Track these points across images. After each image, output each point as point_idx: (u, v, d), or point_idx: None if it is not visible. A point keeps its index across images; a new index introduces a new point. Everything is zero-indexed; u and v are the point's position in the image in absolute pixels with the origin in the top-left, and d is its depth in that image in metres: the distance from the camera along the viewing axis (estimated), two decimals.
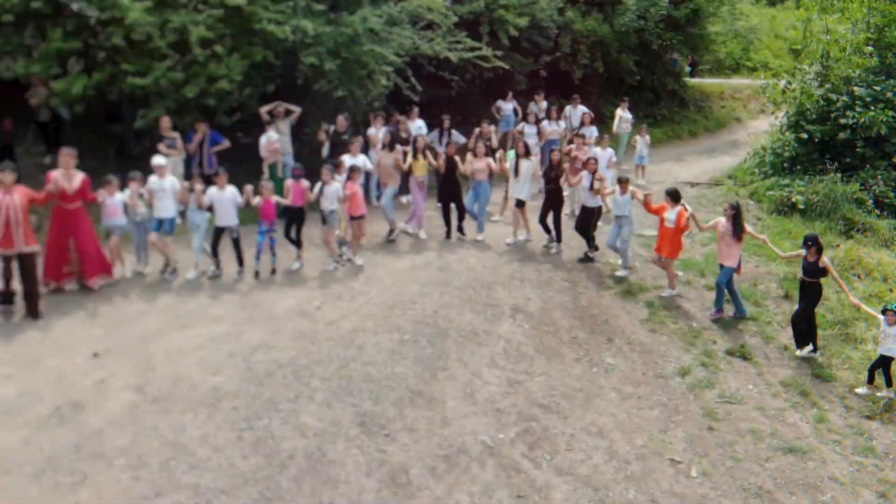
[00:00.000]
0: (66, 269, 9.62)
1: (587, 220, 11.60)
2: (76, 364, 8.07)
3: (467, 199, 12.24)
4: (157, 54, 11.76)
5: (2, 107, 12.60)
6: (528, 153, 11.97)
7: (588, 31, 19.46)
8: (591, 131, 15.13)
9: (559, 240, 11.94)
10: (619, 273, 11.38)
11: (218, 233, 10.31)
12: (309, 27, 12.39)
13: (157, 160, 10.54)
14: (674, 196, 10.55)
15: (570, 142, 14.10)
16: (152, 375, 7.94)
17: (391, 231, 12.05)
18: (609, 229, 11.49)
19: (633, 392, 8.82)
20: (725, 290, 10.34)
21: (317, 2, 13.04)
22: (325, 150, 13.11)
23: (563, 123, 15.97)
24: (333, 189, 10.73)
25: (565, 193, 12.37)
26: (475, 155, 12.10)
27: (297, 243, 10.86)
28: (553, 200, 11.80)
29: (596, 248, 11.76)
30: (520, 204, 11.98)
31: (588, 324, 10.11)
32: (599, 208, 11.62)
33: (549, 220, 11.84)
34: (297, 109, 13.37)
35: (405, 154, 12.31)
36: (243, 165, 14.51)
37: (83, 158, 13.89)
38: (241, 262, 10.46)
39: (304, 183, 10.82)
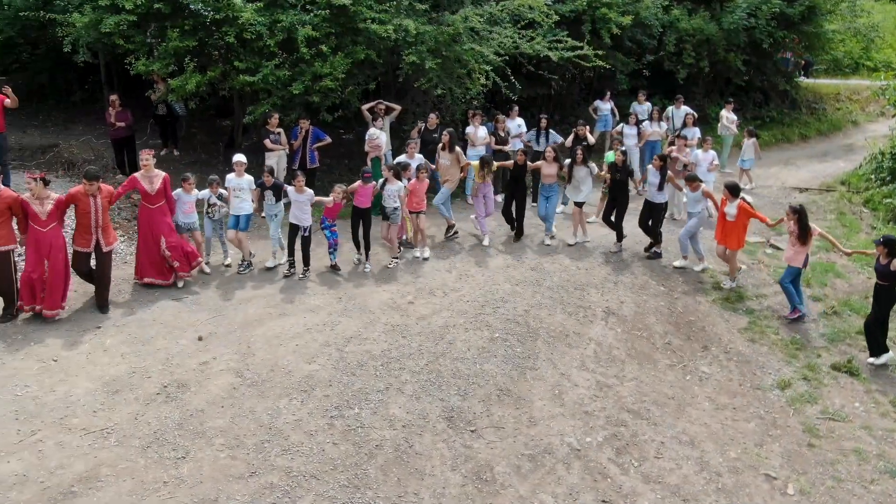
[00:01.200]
0: (167, 267, 9.84)
1: (654, 217, 11.60)
2: (182, 346, 8.56)
3: (539, 204, 12.22)
4: (266, 53, 12.27)
5: (125, 101, 13.41)
6: (585, 161, 11.87)
7: (694, 30, 18.87)
8: (694, 133, 14.67)
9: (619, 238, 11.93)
10: (677, 263, 11.33)
11: (292, 230, 10.40)
12: (411, 26, 12.60)
13: (237, 157, 10.69)
14: (732, 190, 10.59)
15: (672, 143, 13.75)
16: (251, 360, 8.32)
17: (449, 228, 12.08)
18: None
19: (728, 403, 8.52)
20: (793, 289, 10.12)
21: (419, 1, 13.24)
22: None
23: (664, 124, 15.56)
24: (395, 188, 10.82)
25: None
26: (545, 160, 12.01)
27: (367, 245, 10.89)
28: (618, 200, 11.76)
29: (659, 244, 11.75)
30: (578, 205, 12.03)
31: (683, 330, 9.85)
32: (666, 204, 11.78)
33: (614, 216, 11.83)
34: (397, 107, 13.63)
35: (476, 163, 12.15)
36: (344, 161, 14.96)
37: (195, 151, 14.74)
38: (307, 261, 10.53)
39: (373, 184, 10.95)
